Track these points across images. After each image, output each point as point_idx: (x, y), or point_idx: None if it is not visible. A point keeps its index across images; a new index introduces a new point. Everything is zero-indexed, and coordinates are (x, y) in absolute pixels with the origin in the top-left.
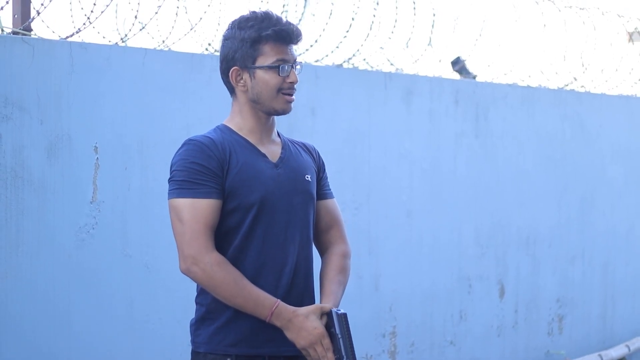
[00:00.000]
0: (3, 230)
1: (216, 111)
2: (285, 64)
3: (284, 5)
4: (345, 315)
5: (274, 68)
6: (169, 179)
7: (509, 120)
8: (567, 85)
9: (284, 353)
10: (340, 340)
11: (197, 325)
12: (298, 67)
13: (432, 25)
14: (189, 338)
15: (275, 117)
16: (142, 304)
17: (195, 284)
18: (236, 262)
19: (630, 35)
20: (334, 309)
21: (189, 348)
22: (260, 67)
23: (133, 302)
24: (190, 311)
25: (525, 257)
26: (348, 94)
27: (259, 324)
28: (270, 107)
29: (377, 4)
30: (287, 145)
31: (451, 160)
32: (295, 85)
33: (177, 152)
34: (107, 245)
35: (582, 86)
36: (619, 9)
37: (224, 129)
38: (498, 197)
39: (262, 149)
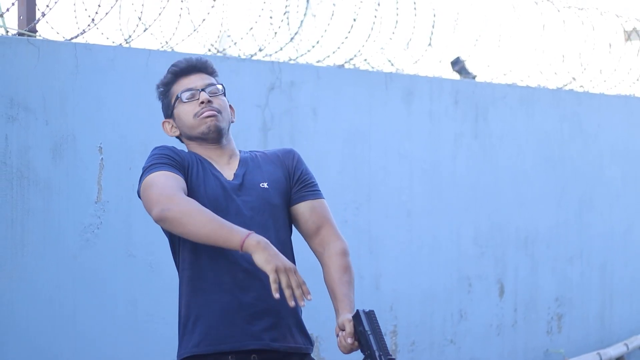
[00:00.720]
0: (9, 230)
1: None
2: (188, 91)
3: (285, 7)
4: (372, 312)
5: (178, 101)
6: (140, 175)
7: (508, 121)
8: (565, 85)
9: (247, 347)
10: (371, 336)
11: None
12: (209, 88)
13: (433, 26)
14: None
15: (231, 137)
16: (146, 304)
17: None
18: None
19: (629, 34)
20: (361, 309)
21: None
22: (174, 106)
23: (137, 302)
24: None
25: (524, 257)
26: (349, 94)
27: (218, 322)
28: (197, 134)
29: (378, 4)
30: (245, 162)
31: (451, 160)
32: (213, 104)
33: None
34: (112, 245)
35: (581, 86)
36: (618, 9)
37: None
38: (497, 197)
39: (219, 168)
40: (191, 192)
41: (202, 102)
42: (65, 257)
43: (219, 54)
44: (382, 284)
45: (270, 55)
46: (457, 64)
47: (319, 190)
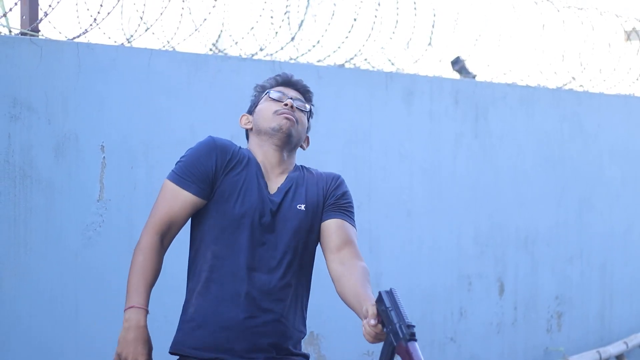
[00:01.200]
0: (11, 228)
1: (220, 111)
2: (279, 93)
3: (286, 7)
4: (393, 289)
5: (266, 95)
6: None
7: (508, 120)
8: (565, 85)
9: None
10: (392, 312)
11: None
12: (297, 102)
13: (433, 26)
14: None
15: (294, 158)
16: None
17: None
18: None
19: (628, 34)
20: (382, 290)
21: None
22: (259, 101)
23: None
24: None
25: (524, 256)
26: (350, 94)
27: (220, 333)
28: (269, 129)
29: (379, 4)
30: (293, 179)
31: (451, 160)
32: (294, 113)
33: None
34: (114, 243)
35: (581, 85)
36: (617, 9)
37: (249, 149)
38: (497, 196)
39: (266, 178)
40: (224, 193)
41: (286, 105)
42: (68, 255)
43: (220, 54)
44: (383, 282)
45: (271, 54)
46: (457, 64)
47: (353, 219)
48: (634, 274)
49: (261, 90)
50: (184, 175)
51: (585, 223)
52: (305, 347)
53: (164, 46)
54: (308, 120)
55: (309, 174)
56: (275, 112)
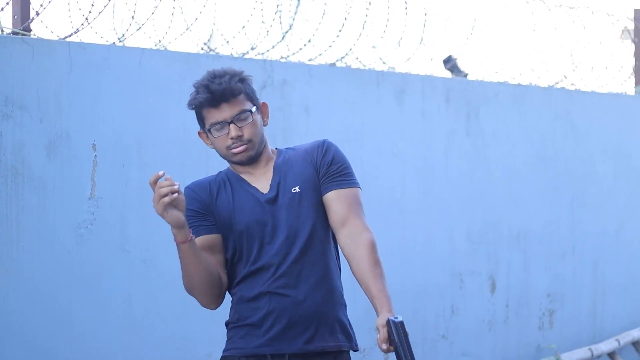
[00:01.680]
0: (3, 226)
1: None
2: (218, 125)
3: (277, 6)
4: (401, 323)
5: (210, 132)
6: None
7: (500, 119)
8: (557, 83)
9: (282, 351)
10: (399, 348)
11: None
12: (237, 120)
13: (424, 25)
14: (187, 333)
15: (267, 149)
16: (141, 299)
17: None
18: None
19: (622, 33)
20: (391, 318)
21: (187, 343)
22: (208, 130)
23: (132, 297)
24: (188, 306)
25: (517, 254)
26: (341, 93)
27: (258, 329)
28: (230, 161)
29: (370, 3)
30: (279, 168)
31: (443, 158)
32: (243, 137)
33: None
34: (106, 241)
35: (573, 84)
36: (610, 8)
37: (228, 169)
38: (489, 194)
39: (254, 182)
40: (224, 218)
41: (233, 138)
42: (60, 253)
43: (211, 53)
44: None
45: (263, 53)
46: (449, 62)
47: (349, 180)
48: (626, 271)
49: (196, 110)
50: (191, 227)
51: (577, 221)
52: None
53: (155, 45)
54: (254, 109)
55: (293, 153)
56: (228, 147)
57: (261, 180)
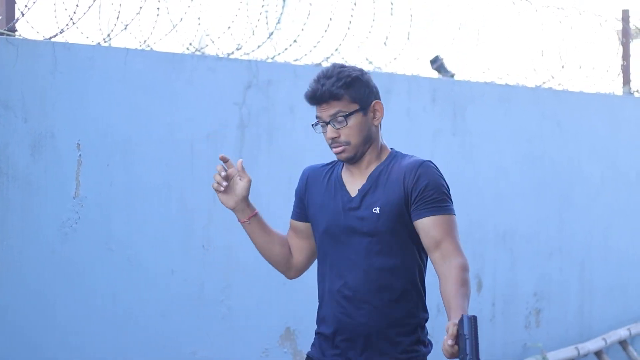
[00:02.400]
0: None
1: (197, 110)
2: (318, 122)
3: (262, 6)
4: (475, 317)
5: (315, 126)
6: None
7: (487, 118)
8: (544, 83)
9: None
10: (467, 340)
11: None
12: (333, 122)
13: (410, 25)
14: (172, 331)
15: (375, 150)
16: (125, 298)
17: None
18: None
19: (618, 34)
20: (466, 314)
21: (172, 341)
22: (314, 125)
23: (116, 296)
24: (173, 304)
25: (503, 253)
26: None
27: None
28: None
29: (355, 4)
30: (375, 177)
31: (429, 157)
32: (339, 139)
33: None
34: (90, 240)
35: (560, 84)
36: (598, 9)
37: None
38: (476, 194)
39: (348, 182)
40: (312, 212)
41: (329, 139)
42: (45, 252)
43: (196, 53)
44: None
45: (248, 53)
46: (436, 62)
47: (443, 206)
48: (613, 271)
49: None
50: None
51: (565, 220)
52: (282, 342)
53: (140, 45)
54: (356, 111)
55: (396, 165)
56: (329, 144)
57: (355, 182)
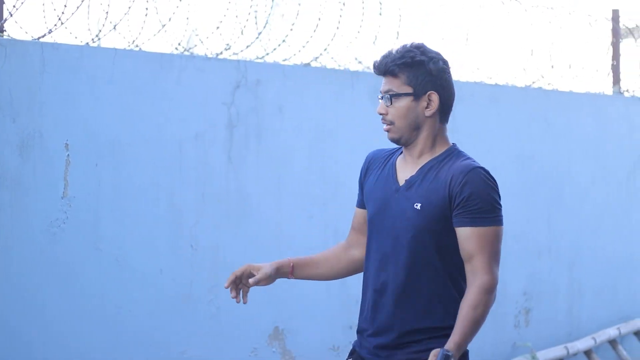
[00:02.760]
0: None
1: (186, 111)
2: (380, 94)
3: (251, 6)
4: (447, 356)
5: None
6: None
7: (477, 118)
8: (534, 82)
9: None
10: None
11: None
12: (386, 98)
13: (399, 25)
14: (161, 331)
15: (426, 141)
16: (114, 297)
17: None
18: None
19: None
20: (443, 349)
21: (161, 341)
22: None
23: (105, 296)
24: (162, 304)
25: None
26: (315, 93)
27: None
28: None
29: (344, 4)
30: (425, 170)
31: None
32: (386, 117)
33: None
34: (79, 239)
35: (549, 84)
36: (588, 9)
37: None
38: None
39: (400, 170)
40: (366, 198)
41: (379, 113)
42: (33, 252)
43: (186, 53)
44: (349, 277)
45: (237, 53)
46: None
47: (487, 218)
48: (602, 270)
49: None
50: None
51: (554, 219)
52: (270, 341)
53: (129, 45)
54: (407, 93)
55: (449, 163)
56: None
57: (406, 172)
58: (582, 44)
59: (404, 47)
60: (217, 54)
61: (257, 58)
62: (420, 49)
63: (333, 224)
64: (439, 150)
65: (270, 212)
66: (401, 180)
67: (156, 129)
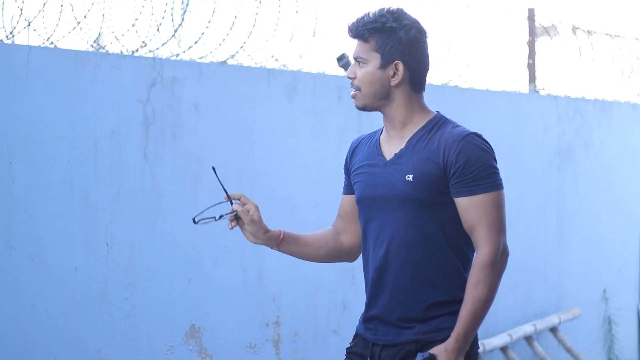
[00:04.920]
0: None
1: (100, 108)
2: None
3: (166, 4)
4: (433, 357)
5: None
6: None
7: None
8: (450, 80)
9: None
10: None
11: None
12: (356, 59)
13: (315, 23)
14: (76, 329)
15: (400, 111)
16: (28, 295)
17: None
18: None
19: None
20: (420, 353)
21: (75, 339)
22: None
23: (19, 294)
24: (76, 302)
25: None
26: (232, 90)
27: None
28: None
29: (260, 2)
30: (414, 142)
31: (334, 155)
32: (354, 81)
33: None
34: None
35: (466, 82)
36: (505, 7)
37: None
38: None
39: (385, 146)
40: (352, 181)
41: (347, 77)
42: None
43: (100, 50)
44: (266, 275)
45: (153, 51)
46: (342, 60)
47: (485, 184)
48: (517, 267)
49: None
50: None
51: None
52: (187, 340)
53: (43, 43)
54: (384, 61)
55: (438, 132)
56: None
57: (392, 145)
58: (498, 43)
59: (381, 10)
60: (133, 52)
61: (173, 56)
62: (394, 14)
63: None
64: (422, 120)
65: (186, 210)
66: (388, 155)
67: (71, 126)
